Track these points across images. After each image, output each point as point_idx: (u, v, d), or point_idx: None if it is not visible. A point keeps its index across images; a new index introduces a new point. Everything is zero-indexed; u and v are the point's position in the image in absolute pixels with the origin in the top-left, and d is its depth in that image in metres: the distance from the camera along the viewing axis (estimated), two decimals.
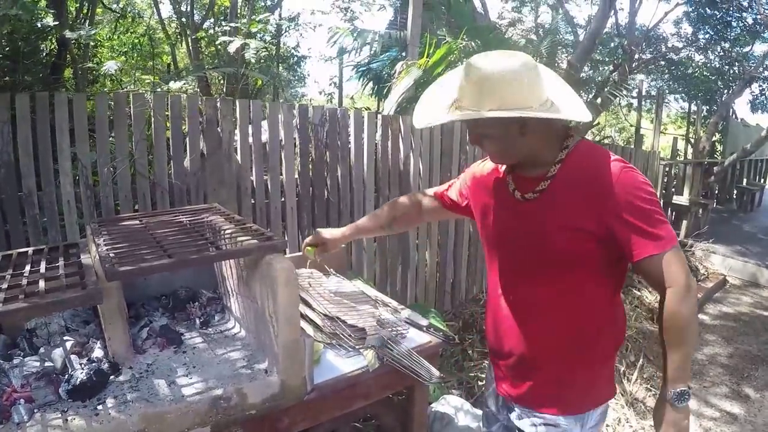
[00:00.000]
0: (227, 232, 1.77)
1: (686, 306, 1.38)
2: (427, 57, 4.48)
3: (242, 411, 1.57)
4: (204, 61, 8.57)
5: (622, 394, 3.63)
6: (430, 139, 3.97)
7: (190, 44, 8.08)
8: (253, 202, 3.18)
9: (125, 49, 8.94)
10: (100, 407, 1.46)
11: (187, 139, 2.86)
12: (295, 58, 11.14)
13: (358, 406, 1.85)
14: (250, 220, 3.09)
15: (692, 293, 1.40)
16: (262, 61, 10.15)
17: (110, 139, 2.86)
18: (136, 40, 9.15)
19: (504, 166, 1.65)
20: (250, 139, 3.08)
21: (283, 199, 3.31)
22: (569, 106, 1.44)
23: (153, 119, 2.78)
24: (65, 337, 1.78)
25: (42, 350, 1.73)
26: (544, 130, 1.47)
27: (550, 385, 1.61)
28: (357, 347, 1.82)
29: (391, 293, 4.00)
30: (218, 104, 2.90)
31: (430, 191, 2.05)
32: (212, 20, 8.43)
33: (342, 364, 1.78)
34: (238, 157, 3.05)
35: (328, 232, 2.15)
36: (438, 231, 4.23)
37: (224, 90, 7.08)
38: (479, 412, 2.49)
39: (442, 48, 4.49)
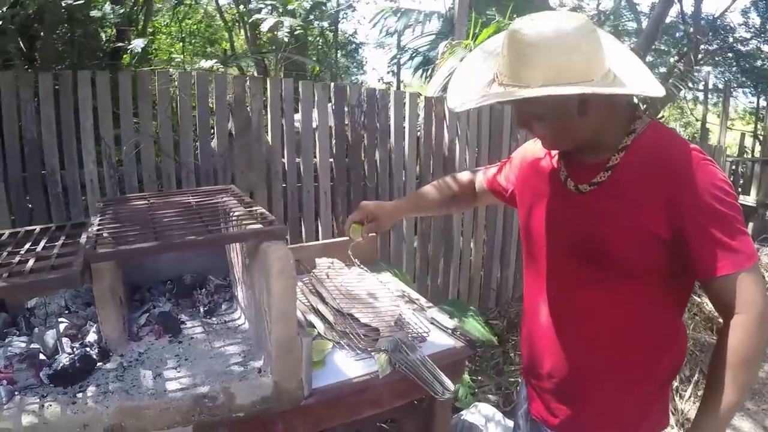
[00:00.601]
0: (235, 215, 1.63)
1: (758, 340, 1.13)
2: (473, 36, 4.23)
3: (229, 412, 1.42)
4: (262, 46, 8.56)
5: (672, 413, 3.29)
6: (477, 121, 3.74)
7: (247, 30, 8.06)
8: (284, 185, 3.05)
9: (183, 36, 9.04)
10: (79, 395, 1.38)
11: (215, 118, 2.76)
12: (353, 45, 11.04)
13: (367, 414, 1.67)
14: (281, 204, 2.98)
15: (766, 324, 1.14)
16: (319, 47, 10.12)
17: (135, 119, 2.80)
18: (194, 27, 9.24)
19: (557, 152, 1.41)
20: (282, 120, 2.95)
21: (316, 184, 3.17)
22: (637, 78, 1.18)
23: (178, 97, 2.69)
24: (60, 319, 1.72)
25: (37, 330, 1.66)
26: (607, 108, 1.22)
27: (594, 415, 1.38)
28: (368, 349, 1.64)
29: (431, 287, 3.82)
30: (247, 83, 2.78)
31: (482, 173, 1.81)
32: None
33: (350, 367, 1.60)
34: (269, 138, 2.93)
35: (378, 206, 1.81)
36: (486, 222, 3.99)
37: (281, 75, 7.02)
38: (512, 423, 2.28)
39: (490, 27, 4.23)
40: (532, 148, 1.53)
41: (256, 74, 7.45)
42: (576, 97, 1.15)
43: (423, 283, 3.77)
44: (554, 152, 1.41)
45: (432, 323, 1.86)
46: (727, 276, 1.14)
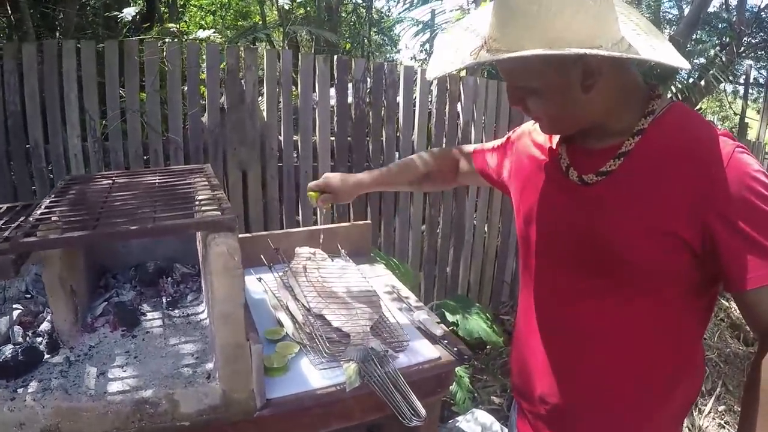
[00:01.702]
0: (198, 199, 1.51)
1: None
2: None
3: (172, 420, 1.31)
4: (294, 21, 8.44)
5: (689, 429, 3.09)
6: (496, 105, 3.55)
7: (278, 3, 7.91)
8: (280, 164, 2.93)
9: (214, 8, 8.96)
10: (20, 390, 1.31)
11: (205, 91, 2.64)
12: (387, 22, 10.84)
13: (335, 427, 1.54)
14: (275, 185, 2.86)
15: None
16: (352, 24, 9.95)
17: (121, 91, 2.70)
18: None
19: (557, 136, 1.22)
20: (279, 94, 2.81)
21: (315, 164, 3.03)
22: (658, 49, 0.99)
23: (167, 69, 2.58)
24: (15, 305, 1.65)
25: None
26: (618, 84, 1.04)
27: None
28: (337, 356, 1.50)
29: (439, 278, 3.67)
30: (241, 53, 2.64)
31: (470, 147, 1.62)
32: None
33: (315, 376, 1.47)
34: (264, 114, 2.80)
35: (338, 178, 1.75)
36: (501, 209, 3.82)
37: (312, 51, 6.90)
38: None
39: None
40: (532, 128, 1.33)
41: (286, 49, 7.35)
42: (579, 68, 0.98)
43: (430, 274, 3.63)
44: (555, 137, 1.22)
45: (418, 327, 1.71)
46: (765, 288, 0.95)
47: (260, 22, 8.47)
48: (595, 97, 1.02)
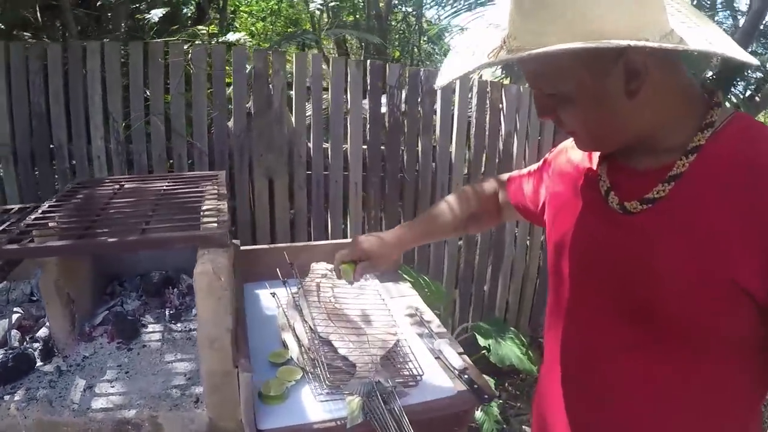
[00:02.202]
0: (203, 210, 1.45)
1: None
2: None
3: None
4: (343, 26, 8.46)
5: None
6: None
7: (328, 10, 7.95)
8: (308, 173, 2.85)
9: (264, 15, 9.06)
10: (7, 397, 1.30)
11: (231, 95, 2.59)
12: (437, 30, 10.76)
13: None
14: (303, 194, 2.79)
15: None
16: (401, 33, 9.93)
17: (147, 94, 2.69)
18: (275, 6, 9.23)
19: (597, 153, 1.04)
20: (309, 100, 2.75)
21: (346, 173, 2.95)
22: (713, 43, 0.81)
23: (192, 72, 2.54)
24: (15, 309, 1.65)
25: None
26: (669, 88, 0.86)
27: None
28: (340, 387, 1.38)
29: (475, 296, 3.53)
30: (269, 56, 2.59)
31: (505, 176, 1.41)
32: None
33: (315, 408, 1.36)
34: (293, 119, 2.73)
35: (374, 242, 1.43)
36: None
37: (361, 58, 6.87)
38: None
39: None
40: (570, 145, 1.14)
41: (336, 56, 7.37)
42: (620, 67, 0.81)
43: (466, 292, 3.49)
44: (596, 154, 1.03)
45: (437, 357, 1.57)
46: None
47: (309, 29, 8.51)
48: (641, 104, 0.85)
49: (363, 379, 1.33)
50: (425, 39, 10.81)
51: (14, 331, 1.53)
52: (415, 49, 10.30)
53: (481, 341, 2.74)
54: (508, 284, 3.62)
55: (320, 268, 1.86)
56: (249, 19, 8.65)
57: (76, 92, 2.56)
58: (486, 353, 2.69)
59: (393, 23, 9.35)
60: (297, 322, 1.59)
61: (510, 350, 2.68)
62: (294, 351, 1.51)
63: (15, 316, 1.58)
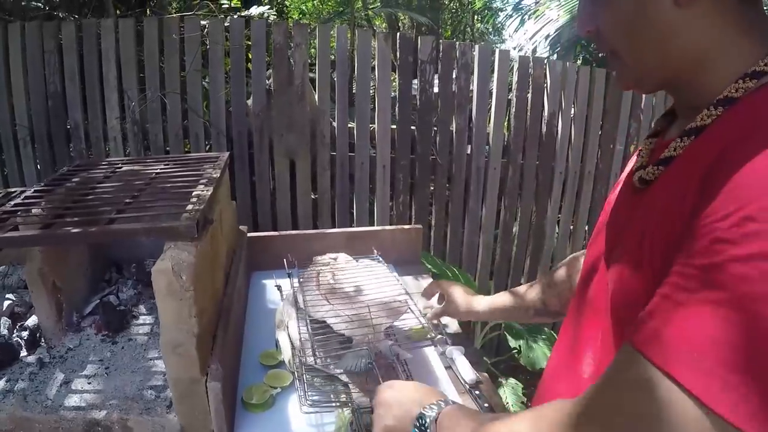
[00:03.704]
0: (192, 196, 1.38)
1: None
2: None
3: None
4: (395, 4, 8.38)
5: None
6: (588, 93, 3.21)
7: None
8: (332, 154, 2.77)
9: None
10: None
11: (251, 71, 2.53)
12: (490, 10, 10.55)
13: None
14: (327, 176, 2.72)
15: None
16: (454, 11, 9.75)
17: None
18: None
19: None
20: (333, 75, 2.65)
21: (373, 153, 2.85)
22: None
23: (209, 47, 2.49)
24: (7, 295, 1.63)
25: None
26: (729, 8, 0.69)
27: None
28: (331, 397, 1.29)
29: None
30: (290, 28, 2.50)
31: None
32: None
33: (300, 419, 1.28)
34: (315, 97, 2.65)
35: (461, 293, 1.46)
36: (588, 216, 3.48)
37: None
38: None
39: None
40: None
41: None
42: None
43: (501, 285, 3.37)
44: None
45: (448, 367, 1.47)
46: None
47: (360, 8, 8.43)
48: (691, 19, 0.69)
49: (360, 350, 1.29)
50: (478, 18, 10.58)
51: (4, 319, 1.50)
52: (468, 29, 10.10)
53: (512, 342, 2.63)
54: None
55: (324, 259, 1.76)
56: None
57: (91, 71, 2.55)
58: (516, 355, 2.57)
59: (446, 2, 9.19)
60: (292, 320, 1.51)
61: (542, 353, 2.56)
62: (286, 354, 1.43)
63: (6, 303, 1.55)
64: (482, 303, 1.42)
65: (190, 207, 1.23)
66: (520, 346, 2.59)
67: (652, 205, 0.72)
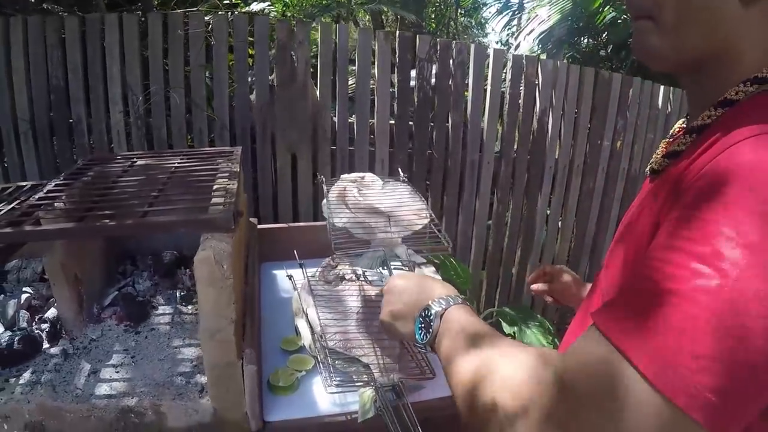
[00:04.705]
0: (213, 190, 1.39)
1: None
2: None
3: None
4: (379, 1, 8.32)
5: None
6: (577, 90, 3.26)
7: None
8: (333, 148, 2.79)
9: None
10: (12, 380, 1.27)
11: (253, 67, 2.53)
12: (469, 2, 10.54)
13: None
14: (328, 170, 2.73)
15: None
16: (437, 5, 9.73)
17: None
18: None
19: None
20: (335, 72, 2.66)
21: (372, 148, 2.87)
22: None
23: (213, 44, 2.49)
24: (24, 288, 1.61)
25: (0, 297, 1.56)
26: None
27: None
28: (353, 377, 1.32)
29: (503, 280, 3.45)
30: (293, 27, 2.51)
31: None
32: None
33: (325, 400, 1.31)
34: (317, 93, 2.66)
35: (573, 282, 1.36)
36: (577, 208, 3.53)
37: (397, 32, 6.76)
38: None
39: None
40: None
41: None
42: None
43: (493, 274, 3.41)
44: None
45: None
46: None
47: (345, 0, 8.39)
48: (752, 14, 0.66)
49: (376, 251, 1.35)
50: (461, 12, 10.60)
51: (23, 312, 1.50)
52: (452, 23, 10.12)
53: (506, 328, 2.67)
54: (538, 267, 3.52)
55: (350, 176, 1.73)
56: None
57: (94, 65, 2.54)
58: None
59: None
60: (311, 308, 1.53)
61: (535, 338, 2.60)
62: (306, 339, 1.45)
63: (24, 296, 1.54)
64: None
65: (221, 200, 1.24)
66: (514, 332, 2.63)
67: (654, 196, 0.71)
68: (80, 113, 2.59)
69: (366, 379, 1.27)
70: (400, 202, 1.50)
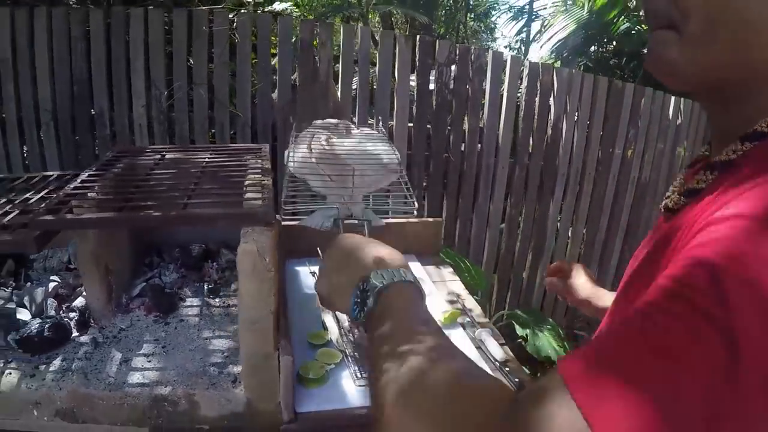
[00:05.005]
0: (245, 185, 1.39)
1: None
2: None
3: (190, 422, 1.21)
4: (389, 2, 8.32)
5: None
6: (591, 99, 3.27)
7: None
8: None
9: None
10: (42, 367, 1.28)
11: (276, 66, 2.54)
12: (484, 7, 10.56)
13: None
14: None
15: None
16: (447, 8, 9.73)
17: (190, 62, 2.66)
18: None
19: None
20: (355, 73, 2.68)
21: None
22: None
23: (237, 41, 2.50)
24: (52, 277, 1.62)
25: (28, 285, 1.57)
26: None
27: None
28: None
29: (513, 283, 3.45)
30: (316, 28, 2.52)
31: None
32: None
33: (354, 392, 1.32)
34: (338, 93, 2.66)
35: (582, 279, 1.22)
36: (587, 216, 3.54)
37: (407, 34, 6.76)
38: None
39: None
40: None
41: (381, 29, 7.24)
42: None
43: (505, 277, 3.42)
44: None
45: (478, 347, 1.51)
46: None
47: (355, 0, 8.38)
48: None
49: (330, 208, 1.10)
50: (471, 16, 10.62)
51: (51, 300, 1.50)
52: (461, 27, 10.13)
53: (519, 331, 2.69)
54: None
55: (323, 122, 1.46)
56: None
57: (118, 59, 2.55)
58: (523, 343, 2.63)
59: None
60: None
61: (547, 341, 2.62)
62: (334, 333, 1.46)
63: (52, 285, 1.55)
64: (606, 301, 1.17)
65: (257, 195, 1.25)
66: (526, 334, 2.65)
67: (667, 241, 0.59)
68: (103, 106, 2.60)
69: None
70: (369, 155, 1.26)
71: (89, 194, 1.35)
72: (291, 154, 1.23)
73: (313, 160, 1.20)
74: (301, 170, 1.16)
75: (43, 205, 1.22)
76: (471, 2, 9.99)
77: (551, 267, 1.33)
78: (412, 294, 0.69)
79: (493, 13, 11.37)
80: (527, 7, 8.60)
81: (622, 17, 4.25)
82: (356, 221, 1.07)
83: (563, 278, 1.28)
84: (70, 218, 1.14)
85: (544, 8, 6.74)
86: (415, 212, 1.14)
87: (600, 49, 4.59)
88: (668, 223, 0.64)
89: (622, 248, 3.72)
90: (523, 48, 10.04)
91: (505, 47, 10.88)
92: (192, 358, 1.34)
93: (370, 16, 8.05)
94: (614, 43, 4.50)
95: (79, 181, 1.44)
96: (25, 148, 2.79)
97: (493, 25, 12.63)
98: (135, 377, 1.26)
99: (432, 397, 0.52)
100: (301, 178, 1.16)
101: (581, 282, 1.23)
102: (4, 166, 2.78)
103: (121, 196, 1.30)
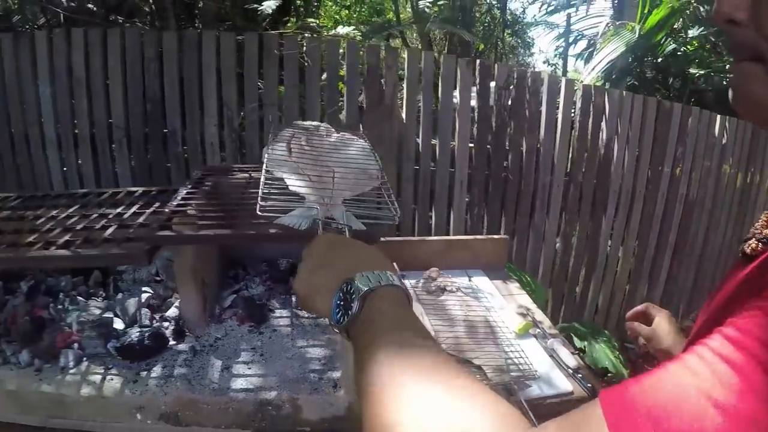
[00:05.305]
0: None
1: None
2: (642, 18, 3.72)
3: (293, 425, 1.28)
4: (427, 19, 8.37)
5: None
6: (641, 121, 3.29)
7: (416, 5, 7.89)
8: (416, 168, 2.86)
9: (348, 3, 9.06)
10: (143, 374, 1.34)
11: (344, 89, 2.62)
12: (521, 24, 10.56)
13: None
14: (410, 188, 2.81)
15: None
16: (485, 25, 9.76)
17: (260, 84, 2.76)
18: None
19: None
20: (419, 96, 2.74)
21: (452, 169, 2.94)
22: None
23: (306, 65, 2.59)
24: (144, 288, 1.69)
25: (119, 296, 1.63)
26: None
27: None
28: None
29: (567, 298, 3.46)
30: (382, 52, 2.60)
31: None
32: None
33: None
34: (403, 115, 2.74)
35: (665, 327, 1.13)
36: (638, 232, 3.54)
37: (445, 50, 6.81)
38: None
39: (660, 9, 3.69)
40: None
41: (420, 47, 7.31)
42: None
43: (558, 291, 3.43)
44: None
45: (551, 356, 1.55)
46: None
47: (394, 19, 8.45)
48: None
49: (309, 209, 1.01)
50: (509, 32, 10.61)
51: (144, 310, 1.57)
52: (499, 43, 10.13)
53: (577, 342, 2.71)
54: (600, 287, 3.53)
55: (303, 123, 1.41)
56: (333, 7, 8.65)
57: (190, 80, 2.64)
58: (581, 354, 2.65)
59: (477, 15, 9.18)
60: (422, 316, 1.60)
61: (604, 353, 2.65)
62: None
63: (145, 296, 1.62)
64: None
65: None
66: (584, 346, 2.67)
67: (749, 288, 0.55)
68: (175, 125, 2.70)
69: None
70: (351, 159, 1.21)
71: (188, 211, 1.43)
72: (270, 150, 1.16)
73: (293, 158, 1.15)
74: (279, 167, 1.10)
75: (147, 221, 1.30)
76: (509, 19, 9.99)
77: (633, 311, 1.23)
78: (400, 299, 0.64)
79: (531, 29, 11.37)
80: (565, 26, 8.63)
81: (669, 39, 4.25)
82: (337, 225, 0.99)
83: (645, 322, 1.18)
84: (187, 234, 1.21)
85: (591, 27, 6.70)
86: (397, 219, 1.03)
87: (646, 70, 4.60)
88: (746, 268, 0.61)
89: (670, 264, 3.70)
90: (560, 62, 10.02)
91: (544, 62, 10.88)
92: (291, 365, 1.40)
93: (408, 33, 8.11)
94: (659, 61, 4.51)
95: (179, 198, 1.52)
96: (99, 164, 2.86)
97: (531, 42, 12.64)
98: (238, 383, 1.32)
99: (435, 412, 0.47)
100: (277, 176, 1.09)
101: (665, 331, 1.14)
102: (76, 180, 2.89)
103: (226, 213, 1.38)
